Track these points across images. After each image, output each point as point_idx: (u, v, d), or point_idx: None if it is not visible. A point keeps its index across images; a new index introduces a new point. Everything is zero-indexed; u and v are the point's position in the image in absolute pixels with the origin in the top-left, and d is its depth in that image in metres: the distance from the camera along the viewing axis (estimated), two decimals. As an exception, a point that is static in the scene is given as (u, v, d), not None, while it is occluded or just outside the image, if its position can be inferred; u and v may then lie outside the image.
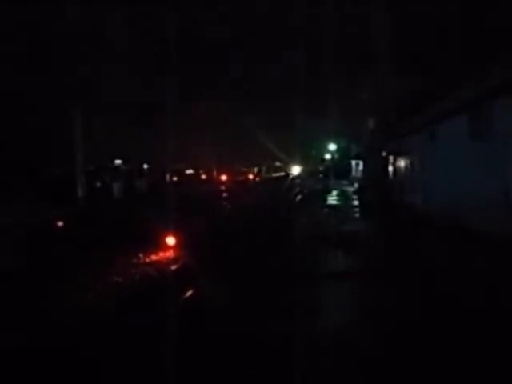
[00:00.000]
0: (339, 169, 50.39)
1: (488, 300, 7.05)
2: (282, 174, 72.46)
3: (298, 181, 39.84)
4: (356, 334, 5.88)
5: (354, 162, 45.62)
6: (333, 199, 28.41)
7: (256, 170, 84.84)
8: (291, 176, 40.95)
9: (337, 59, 30.03)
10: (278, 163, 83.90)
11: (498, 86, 11.61)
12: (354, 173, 45.83)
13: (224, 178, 55.54)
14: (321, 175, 52.19)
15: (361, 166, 38.47)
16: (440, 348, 5.37)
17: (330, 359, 5.13)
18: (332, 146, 53.18)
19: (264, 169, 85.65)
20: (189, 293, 7.82)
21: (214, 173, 62.60)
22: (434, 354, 5.23)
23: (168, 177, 41.48)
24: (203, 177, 67.74)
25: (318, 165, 61.66)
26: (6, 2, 23.73)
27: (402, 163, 22.80)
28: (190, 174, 69.27)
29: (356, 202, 24.88)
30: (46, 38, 24.83)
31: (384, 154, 24.80)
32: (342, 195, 31.33)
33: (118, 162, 41.51)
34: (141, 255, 10.93)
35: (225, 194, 34.48)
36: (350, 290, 8.04)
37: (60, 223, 16.07)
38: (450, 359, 5.09)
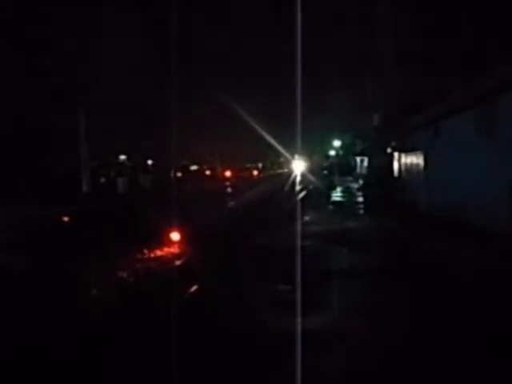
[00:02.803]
0: (344, 165, 50.28)
1: (487, 297, 7.04)
2: (286, 170, 72.38)
3: (302, 177, 39.85)
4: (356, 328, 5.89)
5: (358, 159, 45.52)
6: (337, 196, 28.36)
7: (260, 165, 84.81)
8: (295, 172, 40.92)
9: (342, 55, 29.98)
10: (282, 159, 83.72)
11: (502, 83, 11.55)
12: (358, 169, 45.73)
13: (228, 174, 55.51)
14: (325, 171, 52.08)
15: (365, 163, 38.38)
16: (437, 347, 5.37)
17: (329, 354, 5.14)
18: (336, 143, 53.06)
19: (268, 165, 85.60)
20: (193, 288, 7.85)
21: (218, 169, 62.53)
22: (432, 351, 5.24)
23: (172, 173, 41.50)
24: (207, 173, 67.75)
25: (323, 161, 61.51)
26: (9, 3, 23.78)
27: (406, 160, 22.74)
28: (194, 171, 69.30)
29: (360, 199, 24.84)
30: (47, 38, 24.88)
31: (389, 150, 24.72)
32: (347, 192, 31.28)
33: (122, 157, 41.56)
34: (145, 251, 10.95)
35: (229, 190, 34.50)
36: (349, 286, 8.01)
37: (62, 221, 16.13)
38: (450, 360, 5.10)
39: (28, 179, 25.44)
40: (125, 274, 9.00)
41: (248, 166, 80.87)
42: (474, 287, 7.68)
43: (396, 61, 20.82)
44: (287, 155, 39.67)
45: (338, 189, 33.34)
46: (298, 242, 10.57)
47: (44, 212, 17.26)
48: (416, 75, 18.76)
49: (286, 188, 31.05)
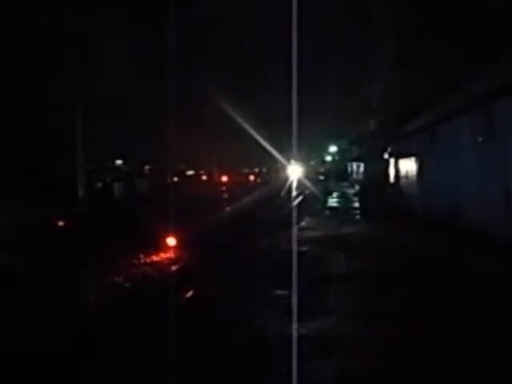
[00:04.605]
0: (340, 171, 50.38)
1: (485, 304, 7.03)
2: (283, 175, 72.27)
3: (298, 182, 39.93)
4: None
5: (355, 164, 45.60)
6: (333, 201, 28.39)
7: (257, 171, 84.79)
8: (291, 177, 41.00)
9: (339, 60, 30.05)
10: (278, 165, 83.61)
11: (498, 87, 11.60)
12: (354, 175, 45.81)
13: (225, 179, 55.43)
14: (321, 177, 52.18)
15: (362, 169, 38.45)
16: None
17: (327, 359, 5.13)
18: (333, 148, 53.13)
19: (265, 170, 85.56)
20: (189, 293, 7.82)
21: (215, 174, 62.48)
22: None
23: (169, 178, 41.44)
24: (204, 178, 67.73)
25: (319, 166, 61.61)
26: (8, 3, 23.81)
27: (402, 165, 22.80)
28: (191, 175, 69.29)
29: (357, 204, 24.88)
30: (46, 38, 24.87)
31: (385, 156, 24.79)
32: (343, 197, 31.32)
33: (118, 162, 41.49)
34: (141, 256, 10.91)
35: (225, 195, 34.50)
36: (347, 291, 7.99)
37: (61, 223, 16.08)
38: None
39: (28, 179, 25.50)
40: (121, 279, 8.97)
41: (245, 171, 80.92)
42: (474, 289, 7.70)
43: (394, 65, 20.89)
44: (284, 160, 39.71)
45: (335, 194, 33.38)
46: (295, 248, 10.58)
47: (43, 212, 17.27)
48: (413, 81, 18.82)
49: (283, 193, 31.07)
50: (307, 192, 32.40)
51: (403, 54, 19.68)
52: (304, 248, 11.58)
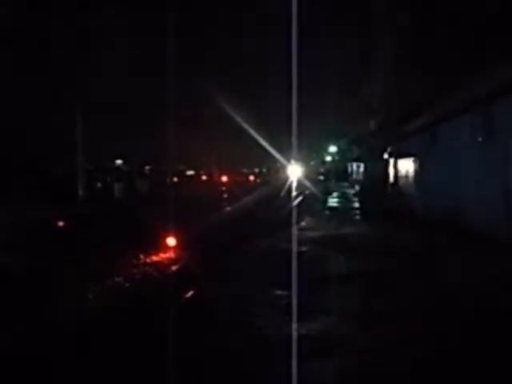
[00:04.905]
0: (340, 171, 50.42)
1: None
2: (282, 175, 72.19)
3: (298, 183, 39.92)
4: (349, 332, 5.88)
5: (355, 164, 45.59)
6: (333, 201, 28.38)
7: (257, 171, 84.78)
8: (291, 178, 40.99)
9: (338, 59, 30.08)
10: (278, 165, 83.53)
11: (498, 87, 11.60)
12: (354, 175, 45.82)
13: (225, 179, 55.43)
14: (321, 177, 52.19)
15: (362, 169, 38.43)
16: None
17: (326, 360, 5.13)
18: (333, 148, 53.13)
19: (265, 170, 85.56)
20: (189, 293, 7.82)
21: (215, 174, 62.46)
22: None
23: (169, 178, 41.43)
24: (204, 178, 67.75)
25: (319, 167, 61.62)
26: (6, 3, 23.81)
27: (402, 166, 22.79)
28: (191, 176, 69.31)
29: (357, 205, 24.87)
30: (45, 38, 24.85)
31: (385, 156, 24.78)
32: (343, 197, 31.32)
33: (118, 162, 41.47)
34: (141, 256, 10.91)
35: (225, 195, 34.52)
36: (347, 292, 7.99)
37: (61, 223, 16.09)
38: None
39: (28, 179, 25.52)
40: (121, 279, 8.97)
41: (245, 171, 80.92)
42: (474, 289, 7.70)
43: (394, 65, 20.88)
44: (284, 160, 39.71)
45: (334, 194, 33.38)
46: (295, 248, 10.57)
47: (43, 212, 17.28)
48: (413, 81, 18.81)
49: (283, 193, 31.06)
50: (307, 192, 32.38)
51: (403, 54, 19.66)
52: (304, 248, 11.59)
